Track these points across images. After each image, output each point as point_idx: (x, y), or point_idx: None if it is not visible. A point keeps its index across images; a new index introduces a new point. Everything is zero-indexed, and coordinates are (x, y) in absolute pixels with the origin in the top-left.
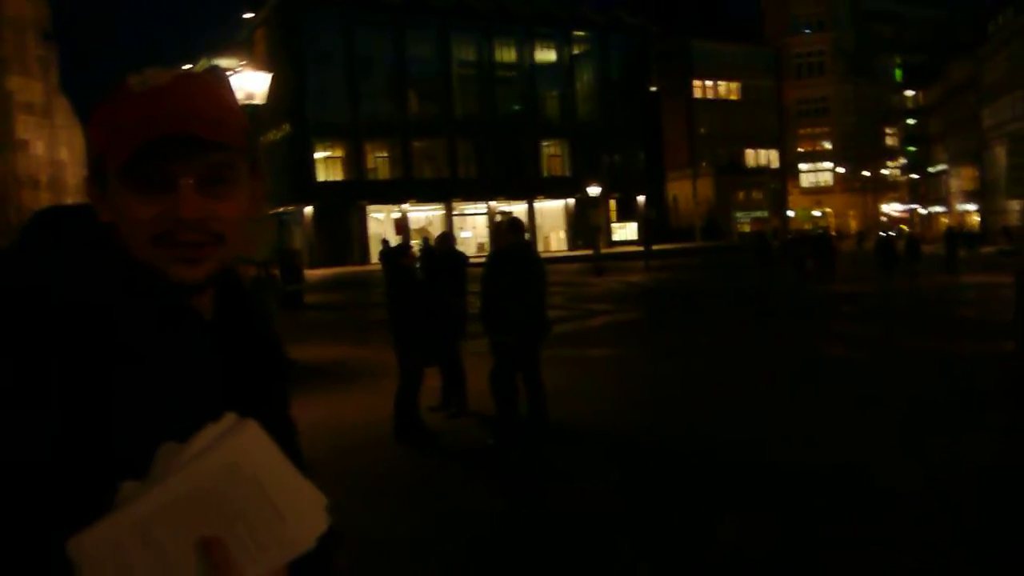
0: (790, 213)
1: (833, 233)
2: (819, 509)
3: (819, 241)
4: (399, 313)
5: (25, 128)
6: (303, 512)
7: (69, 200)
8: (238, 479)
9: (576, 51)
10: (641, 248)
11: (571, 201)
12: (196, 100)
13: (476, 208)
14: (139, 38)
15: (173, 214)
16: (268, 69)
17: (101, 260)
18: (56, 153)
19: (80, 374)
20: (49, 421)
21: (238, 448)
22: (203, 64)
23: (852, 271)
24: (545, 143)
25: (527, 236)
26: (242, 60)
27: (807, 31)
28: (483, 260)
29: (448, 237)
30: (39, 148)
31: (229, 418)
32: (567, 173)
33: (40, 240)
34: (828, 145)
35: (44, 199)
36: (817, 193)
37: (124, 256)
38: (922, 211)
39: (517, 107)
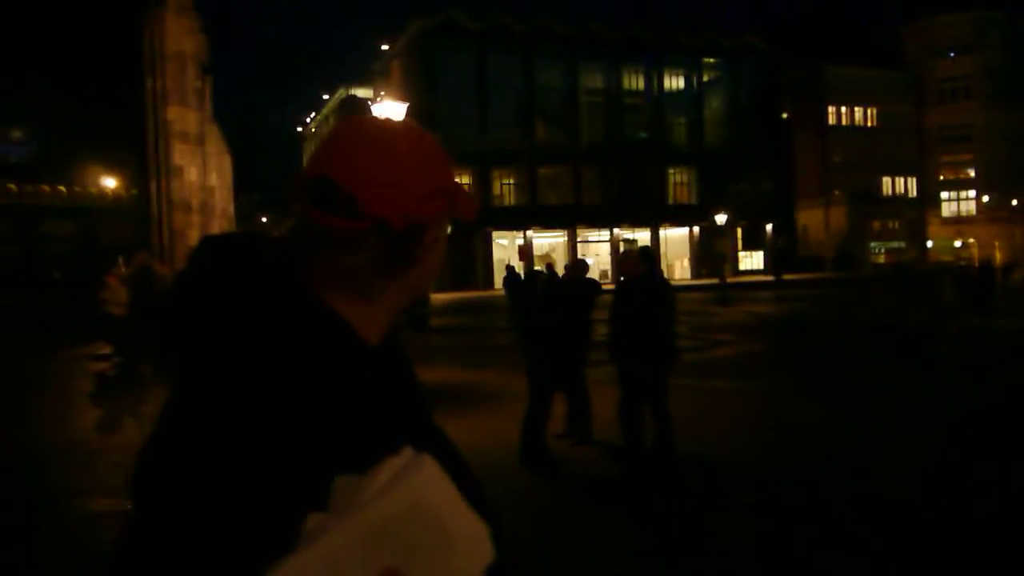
0: (929, 244)
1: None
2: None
3: (981, 272)
4: (530, 336)
5: (181, 155)
6: (472, 543)
7: (216, 224)
8: (419, 514)
9: (705, 78)
10: (768, 278)
11: (696, 229)
12: None
13: (599, 235)
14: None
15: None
16: (403, 99)
17: (299, 294)
18: (207, 179)
19: (278, 403)
20: (262, 455)
21: (420, 483)
22: (341, 94)
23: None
24: (671, 170)
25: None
26: (380, 90)
27: (952, 55)
28: (612, 288)
29: (582, 264)
30: (192, 174)
31: (407, 452)
32: (693, 201)
33: (227, 270)
34: (972, 172)
35: (195, 222)
36: (959, 223)
37: (307, 292)
38: None
39: (644, 134)
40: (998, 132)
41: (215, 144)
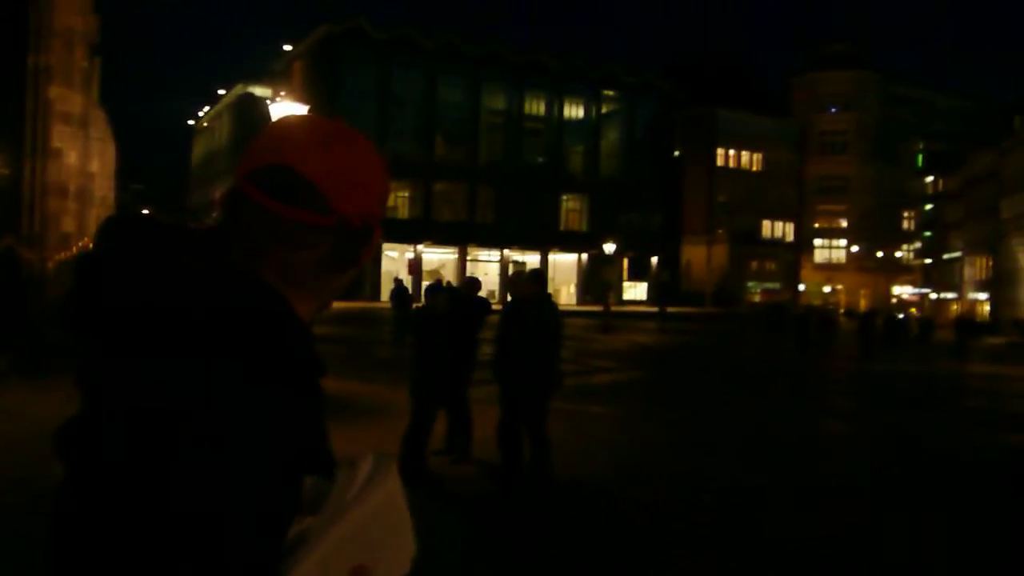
0: (801, 287)
1: (842, 310)
2: None
3: (822, 316)
4: (423, 352)
5: (60, 137)
6: (409, 539)
7: (94, 213)
8: (393, 512)
9: (604, 109)
10: (651, 309)
11: (585, 256)
12: None
13: (490, 255)
14: (174, 57)
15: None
16: (303, 101)
17: (253, 281)
18: (88, 164)
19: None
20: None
21: (392, 483)
22: (239, 89)
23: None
24: (565, 197)
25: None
26: (280, 90)
27: (833, 110)
28: (499, 308)
29: (476, 282)
30: (72, 158)
31: (372, 453)
32: (584, 228)
33: (157, 252)
34: (844, 223)
35: (71, 208)
36: (830, 269)
37: (254, 276)
38: (933, 295)
39: (541, 159)
40: (870, 186)
41: (99, 129)
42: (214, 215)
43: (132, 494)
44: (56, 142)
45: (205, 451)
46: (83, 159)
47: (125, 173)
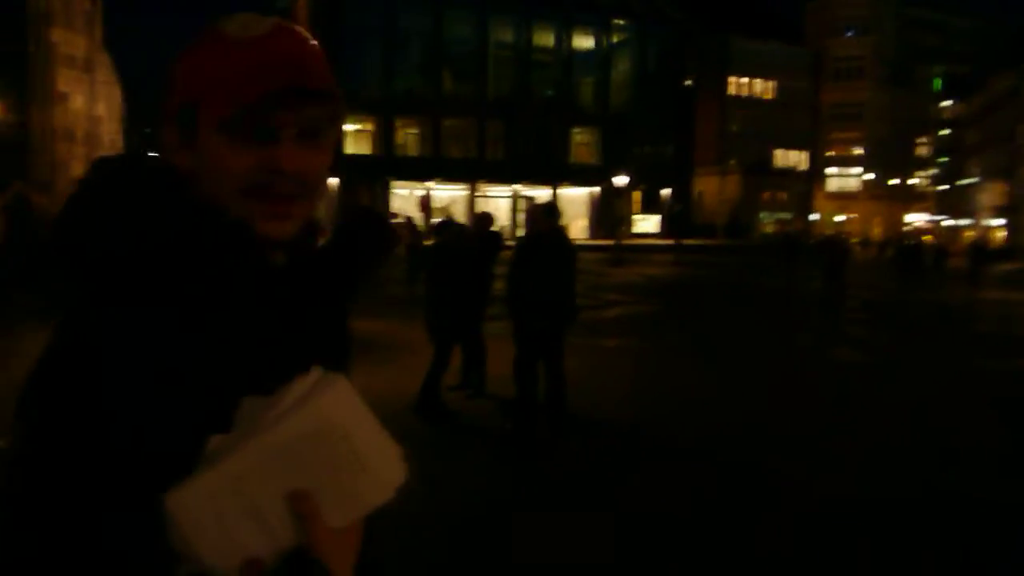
0: (814, 216)
1: (855, 239)
2: (818, 516)
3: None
4: (436, 289)
5: (66, 81)
6: (384, 465)
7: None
8: (328, 434)
9: (614, 39)
10: (663, 241)
11: (596, 190)
12: (302, 51)
13: (500, 191)
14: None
15: (272, 166)
16: None
17: (190, 208)
18: (94, 108)
19: (187, 316)
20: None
21: (329, 403)
22: None
23: (868, 278)
24: (575, 130)
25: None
26: None
27: (849, 34)
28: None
29: (487, 218)
30: (78, 102)
31: (316, 372)
32: (595, 162)
33: (119, 187)
34: (859, 151)
35: (79, 153)
36: (843, 198)
37: (209, 207)
38: (947, 223)
39: (550, 92)
40: (885, 113)
41: (105, 73)
42: None
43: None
44: (61, 86)
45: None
46: (89, 103)
47: (134, 118)
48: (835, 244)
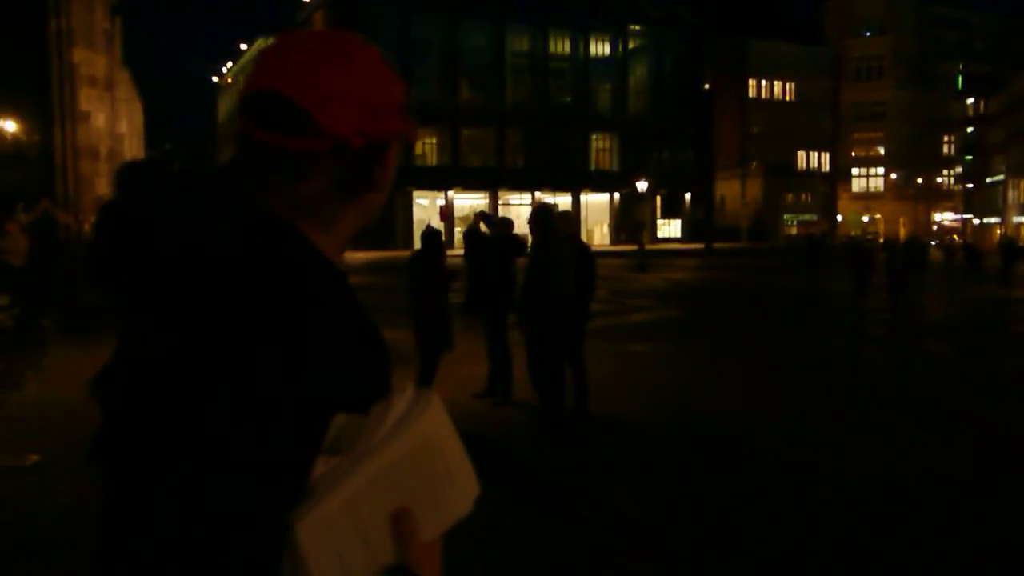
0: (839, 218)
1: (880, 240)
2: (846, 515)
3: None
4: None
5: (88, 100)
6: (467, 477)
7: None
8: (428, 450)
9: (631, 45)
10: (686, 246)
11: (617, 195)
12: None
13: (521, 198)
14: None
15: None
16: None
17: (263, 218)
18: (116, 126)
19: (271, 337)
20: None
21: (429, 420)
22: (260, 44)
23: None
24: (595, 136)
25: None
26: None
27: (868, 34)
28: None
29: (508, 222)
30: (100, 120)
31: (410, 388)
32: (615, 167)
33: (177, 196)
34: (882, 150)
35: (103, 170)
36: (867, 199)
37: (280, 218)
38: (976, 221)
39: (568, 99)
40: (907, 112)
41: (125, 90)
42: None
43: (159, 435)
44: (84, 105)
45: (236, 388)
46: (111, 121)
47: (154, 133)
48: (860, 247)
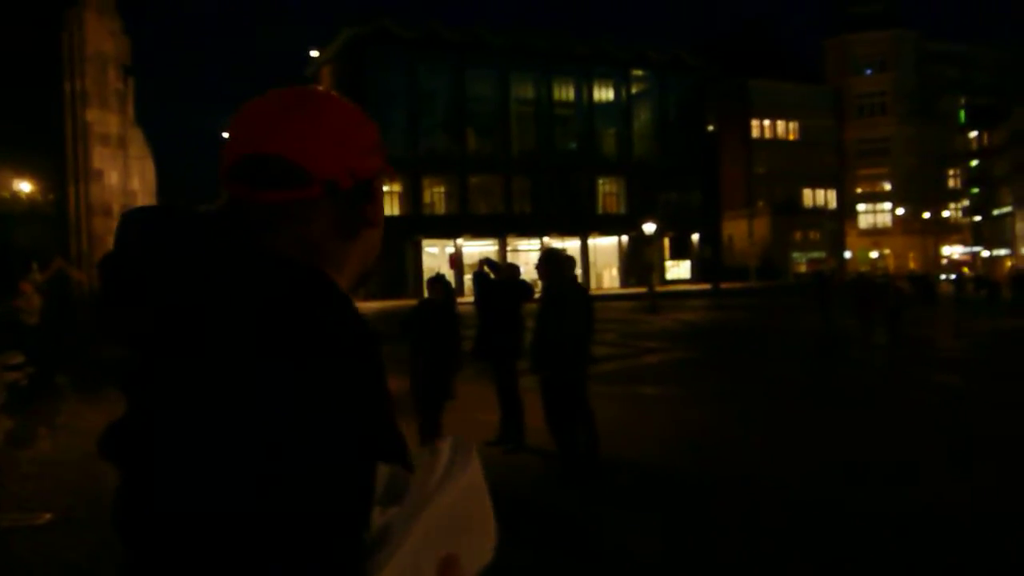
0: (847, 254)
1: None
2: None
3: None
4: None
5: (101, 159)
6: (492, 523)
7: None
8: (473, 498)
9: (635, 90)
10: (696, 286)
11: (625, 238)
12: None
13: (530, 244)
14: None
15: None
16: None
17: (282, 262)
18: (129, 183)
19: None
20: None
21: (474, 467)
22: None
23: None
24: (601, 180)
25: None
26: None
27: (869, 72)
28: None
29: (513, 268)
30: (113, 178)
31: (450, 438)
32: (622, 211)
33: (185, 243)
34: (888, 186)
35: (115, 227)
36: (875, 234)
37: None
38: (985, 253)
39: (574, 145)
40: (912, 147)
41: (138, 148)
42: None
43: (205, 499)
44: (97, 164)
45: (287, 448)
46: (124, 178)
47: (166, 190)
48: (867, 282)
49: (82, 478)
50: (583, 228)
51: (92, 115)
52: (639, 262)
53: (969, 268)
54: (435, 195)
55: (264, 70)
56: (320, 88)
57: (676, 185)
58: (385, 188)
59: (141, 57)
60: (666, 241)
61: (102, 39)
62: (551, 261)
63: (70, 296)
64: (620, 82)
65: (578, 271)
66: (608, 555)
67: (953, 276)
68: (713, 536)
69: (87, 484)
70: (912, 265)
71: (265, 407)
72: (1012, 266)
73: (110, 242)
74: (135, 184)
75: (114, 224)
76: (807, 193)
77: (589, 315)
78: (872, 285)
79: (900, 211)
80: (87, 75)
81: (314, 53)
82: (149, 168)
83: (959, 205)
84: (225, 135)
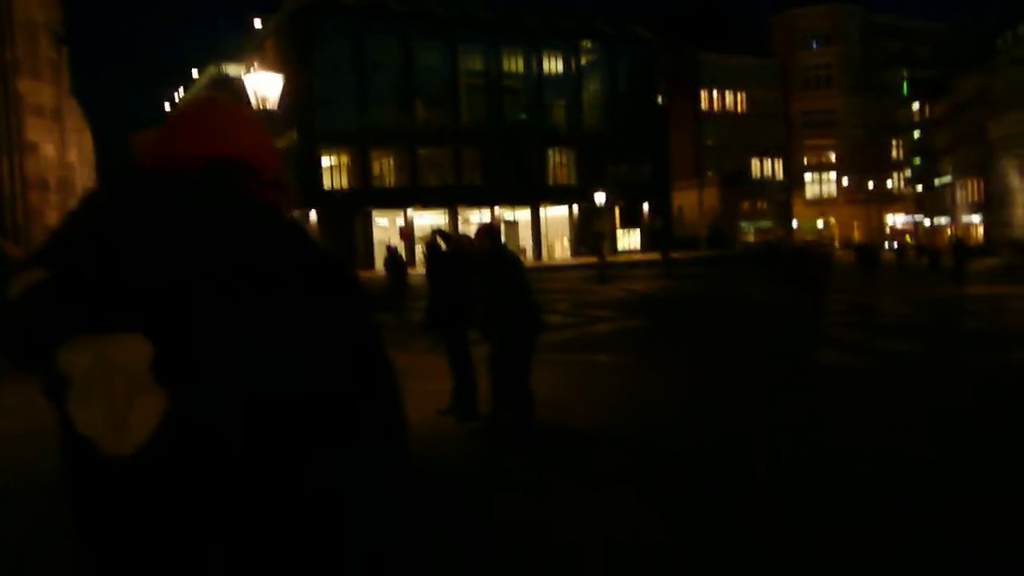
0: (794, 224)
1: (836, 243)
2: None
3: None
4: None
5: (35, 131)
6: None
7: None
8: None
9: (584, 61)
10: (646, 256)
11: (576, 208)
12: None
13: (481, 214)
14: (147, 43)
15: None
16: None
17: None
18: (66, 155)
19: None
20: None
21: None
22: (212, 70)
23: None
24: (551, 151)
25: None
26: (252, 66)
27: (815, 45)
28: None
29: (465, 238)
30: (49, 151)
31: None
32: (573, 181)
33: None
34: (833, 157)
35: (53, 201)
36: (821, 204)
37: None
38: (927, 222)
39: (523, 116)
40: (857, 118)
41: (74, 120)
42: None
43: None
44: (31, 136)
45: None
46: (61, 150)
47: (105, 161)
48: (808, 251)
49: (21, 459)
50: (534, 198)
51: (24, 85)
52: (590, 232)
53: (911, 236)
54: (384, 166)
55: (206, 41)
56: (242, 103)
57: (626, 156)
58: (334, 160)
59: (75, 26)
60: (617, 211)
61: (31, 5)
62: (489, 234)
63: (7, 271)
64: (570, 54)
65: (529, 242)
66: (562, 521)
67: (896, 244)
68: (666, 501)
69: (26, 464)
70: (856, 234)
71: (350, 327)
72: (952, 235)
73: (48, 215)
74: (72, 156)
75: (51, 197)
76: (755, 164)
77: (505, 280)
78: (804, 255)
79: (845, 181)
80: (17, 44)
81: (257, 22)
82: (87, 140)
83: (902, 175)
84: (168, 105)
